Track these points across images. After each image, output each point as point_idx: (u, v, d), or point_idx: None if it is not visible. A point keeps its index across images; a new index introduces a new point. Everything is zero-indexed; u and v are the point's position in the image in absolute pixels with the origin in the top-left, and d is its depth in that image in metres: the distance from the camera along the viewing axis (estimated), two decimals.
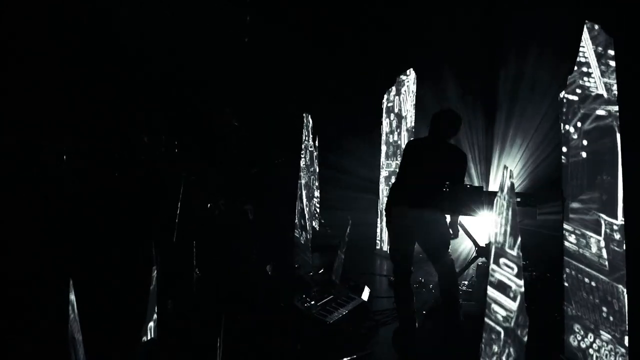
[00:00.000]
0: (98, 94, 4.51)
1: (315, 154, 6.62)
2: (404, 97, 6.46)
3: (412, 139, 3.83)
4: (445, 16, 6.67)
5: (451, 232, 3.79)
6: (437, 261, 3.65)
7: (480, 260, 4.41)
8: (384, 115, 6.89)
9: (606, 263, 2.88)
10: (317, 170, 7.08)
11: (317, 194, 7.40)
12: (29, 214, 3.93)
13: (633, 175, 2.85)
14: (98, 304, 3.07)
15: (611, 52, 2.88)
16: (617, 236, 2.81)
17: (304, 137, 6.38)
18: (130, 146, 4.52)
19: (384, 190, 6.71)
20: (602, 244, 2.89)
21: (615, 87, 2.86)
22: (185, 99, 5.01)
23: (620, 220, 2.79)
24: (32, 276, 3.38)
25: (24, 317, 3.07)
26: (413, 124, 6.24)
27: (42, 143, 4.31)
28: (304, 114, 6.44)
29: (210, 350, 2.45)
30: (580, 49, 3.05)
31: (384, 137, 6.83)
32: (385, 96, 6.88)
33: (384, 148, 6.85)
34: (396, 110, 6.61)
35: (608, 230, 2.86)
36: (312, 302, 3.80)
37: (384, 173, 6.81)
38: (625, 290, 2.75)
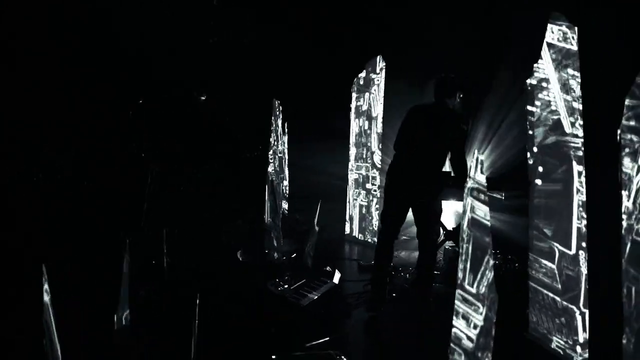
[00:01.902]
0: (98, 94, 4.51)
1: (285, 158, 6.38)
2: (374, 97, 6.05)
3: (414, 104, 3.88)
4: (445, 16, 6.68)
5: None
6: (423, 232, 3.70)
7: (448, 244, 4.47)
8: (353, 115, 6.36)
9: (559, 286, 2.92)
10: (287, 177, 6.83)
11: (285, 204, 7.08)
12: (29, 214, 3.94)
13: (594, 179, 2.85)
14: (98, 303, 3.07)
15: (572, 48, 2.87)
16: (571, 252, 2.83)
17: (272, 142, 6.04)
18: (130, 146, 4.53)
19: (354, 194, 6.31)
20: (555, 268, 2.93)
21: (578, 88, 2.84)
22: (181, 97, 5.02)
23: (576, 224, 2.81)
24: (32, 276, 3.38)
25: (24, 317, 3.08)
26: (381, 129, 5.83)
27: (42, 143, 4.32)
28: (274, 104, 6.08)
29: (185, 335, 2.45)
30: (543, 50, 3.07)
31: (352, 139, 6.38)
32: (354, 94, 6.35)
33: (352, 150, 6.35)
34: (365, 108, 6.19)
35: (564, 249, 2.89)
36: (286, 286, 3.87)
37: (353, 176, 6.35)
38: (578, 310, 2.80)
